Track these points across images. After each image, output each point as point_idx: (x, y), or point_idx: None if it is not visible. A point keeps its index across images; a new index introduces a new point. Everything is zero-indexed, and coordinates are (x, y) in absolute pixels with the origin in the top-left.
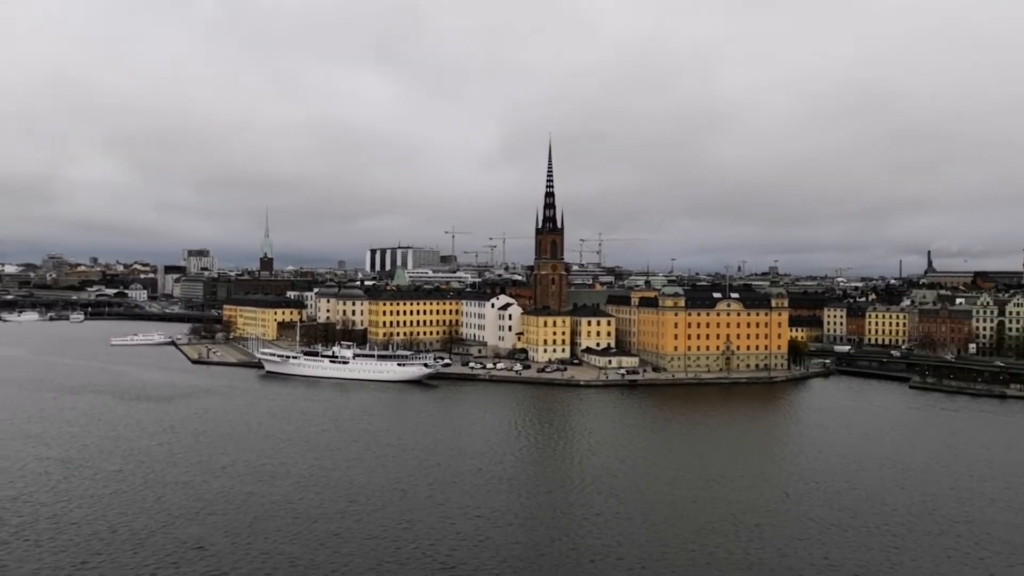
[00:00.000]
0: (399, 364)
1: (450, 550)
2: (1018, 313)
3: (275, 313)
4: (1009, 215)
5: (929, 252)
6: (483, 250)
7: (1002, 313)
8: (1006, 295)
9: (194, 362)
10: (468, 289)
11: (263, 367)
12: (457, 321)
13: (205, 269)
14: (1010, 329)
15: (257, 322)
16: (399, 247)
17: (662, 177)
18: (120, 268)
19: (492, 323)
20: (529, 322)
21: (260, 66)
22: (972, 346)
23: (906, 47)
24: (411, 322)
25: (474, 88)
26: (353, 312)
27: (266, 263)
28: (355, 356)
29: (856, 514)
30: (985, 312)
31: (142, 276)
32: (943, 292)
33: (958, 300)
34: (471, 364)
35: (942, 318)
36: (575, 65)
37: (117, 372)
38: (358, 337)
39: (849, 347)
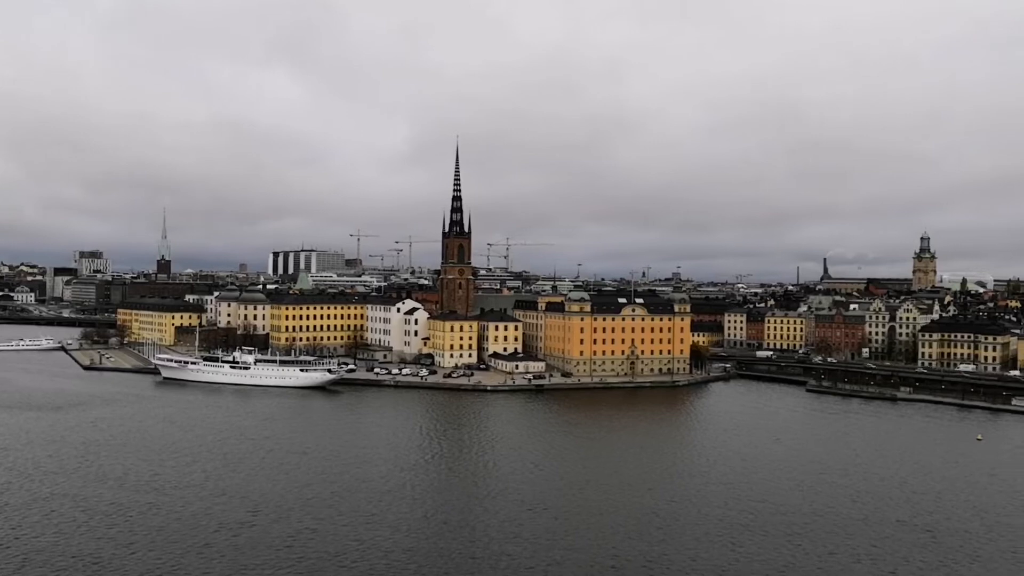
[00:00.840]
0: (302, 370)
1: (354, 561)
2: (907, 319)
3: (173, 317)
4: (901, 224)
5: (825, 259)
6: (389, 254)
7: (893, 319)
8: (896, 301)
9: (86, 368)
10: (374, 293)
11: (160, 373)
12: (362, 326)
13: (98, 271)
14: (900, 334)
15: (154, 326)
16: (303, 250)
17: (570, 182)
18: (5, 270)
19: (398, 328)
20: (436, 327)
21: (161, 62)
22: (865, 350)
23: (812, 60)
24: (315, 327)
25: (384, 88)
26: (255, 316)
27: (163, 266)
28: (256, 362)
29: (757, 514)
30: (877, 318)
31: (29, 278)
32: (838, 298)
33: (852, 306)
34: (376, 370)
35: (837, 323)
36: (487, 68)
37: (0, 379)
38: (260, 342)
39: (771, 353)
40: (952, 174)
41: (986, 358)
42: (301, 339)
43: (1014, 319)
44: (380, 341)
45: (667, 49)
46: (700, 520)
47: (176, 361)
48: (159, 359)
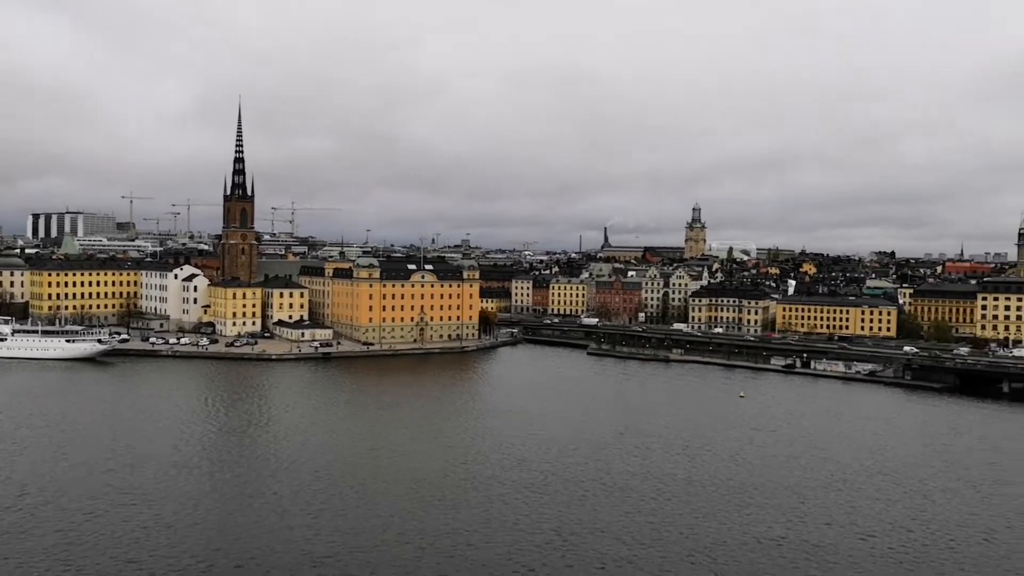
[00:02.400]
0: (68, 340)
1: (134, 540)
2: (680, 285)
3: None
4: (677, 196)
5: (606, 228)
6: (166, 217)
7: (667, 285)
8: (670, 268)
9: None
10: (148, 259)
11: None
12: (136, 293)
13: None
14: (673, 299)
15: None
16: (67, 212)
17: (361, 148)
18: None
19: (175, 295)
20: (216, 294)
21: None
22: (642, 315)
23: (603, 33)
24: (82, 294)
25: (166, 43)
26: (11, 283)
27: None
28: (14, 332)
29: (547, 476)
30: (653, 284)
31: None
32: (617, 265)
33: (630, 273)
34: (152, 339)
35: (616, 289)
36: (278, 27)
37: None
38: (18, 311)
39: (597, 320)
40: (725, 148)
41: (749, 321)
42: (67, 308)
43: (773, 285)
44: (156, 309)
45: (461, 17)
46: (492, 482)
47: None
48: None
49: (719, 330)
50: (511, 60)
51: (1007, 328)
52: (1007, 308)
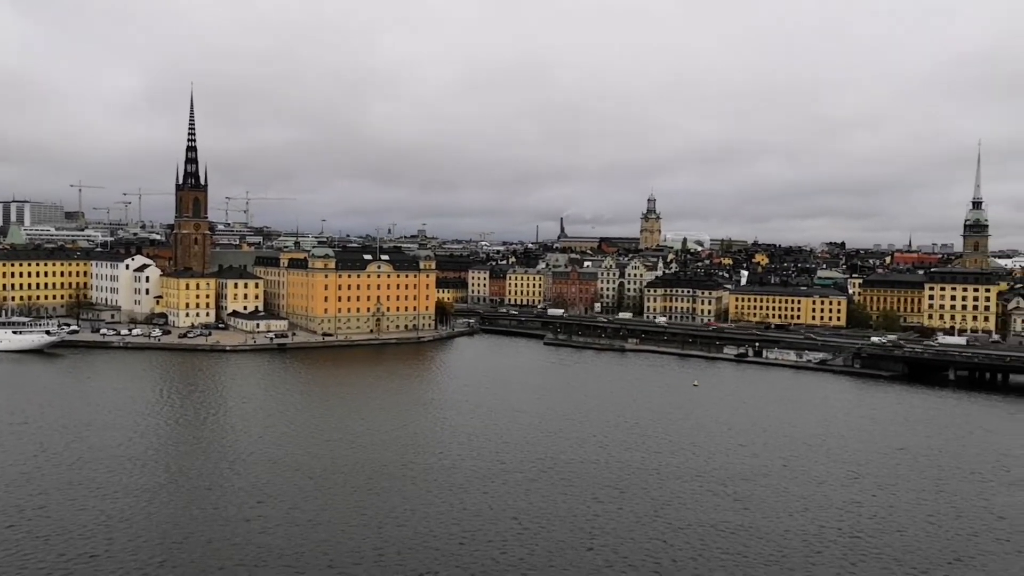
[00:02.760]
0: (15, 332)
1: (89, 534)
2: (635, 275)
3: None
4: (633, 187)
5: (562, 219)
6: (116, 207)
7: (622, 275)
8: (626, 259)
9: None
10: (99, 249)
11: None
12: (86, 284)
13: None
14: (628, 290)
15: None
16: (14, 201)
17: (317, 137)
18: None
19: (127, 286)
20: (169, 285)
21: None
22: (598, 305)
23: (563, 25)
24: (30, 285)
25: (119, 29)
26: None
27: None
28: None
29: (505, 465)
30: (608, 274)
31: None
32: (574, 256)
33: (586, 263)
34: (103, 330)
35: (572, 280)
36: (234, 14)
37: None
38: None
39: (563, 311)
40: (681, 140)
41: (703, 311)
42: (14, 298)
43: (726, 275)
44: (107, 300)
45: (424, 6)
46: (451, 472)
47: None
48: None
49: (663, 320)
50: (470, 50)
51: (953, 318)
52: (953, 298)
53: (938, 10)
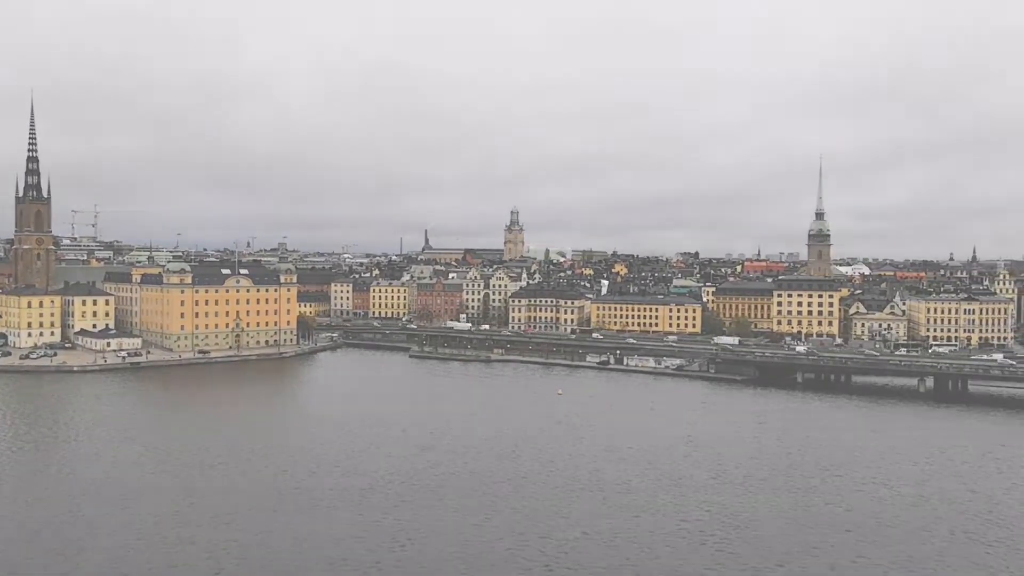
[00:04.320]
0: None
1: None
2: (499, 286)
3: None
4: (497, 197)
5: (426, 230)
6: None
7: (487, 286)
8: (491, 270)
9: None
10: None
11: None
12: None
13: None
14: (493, 300)
15: None
16: None
17: (172, 147)
18: None
19: None
20: (9, 303)
21: None
22: (463, 316)
23: (429, 34)
24: None
25: None
26: None
27: None
28: None
29: (373, 480)
30: (473, 285)
31: None
32: (439, 268)
33: (451, 275)
34: None
35: (438, 291)
36: (81, 13)
37: None
38: None
39: (469, 324)
40: (542, 152)
41: (566, 320)
42: None
43: (588, 285)
44: None
45: (283, 12)
46: (317, 490)
47: None
48: None
49: (507, 331)
50: (331, 60)
51: (799, 323)
52: (799, 304)
53: (796, 24)
